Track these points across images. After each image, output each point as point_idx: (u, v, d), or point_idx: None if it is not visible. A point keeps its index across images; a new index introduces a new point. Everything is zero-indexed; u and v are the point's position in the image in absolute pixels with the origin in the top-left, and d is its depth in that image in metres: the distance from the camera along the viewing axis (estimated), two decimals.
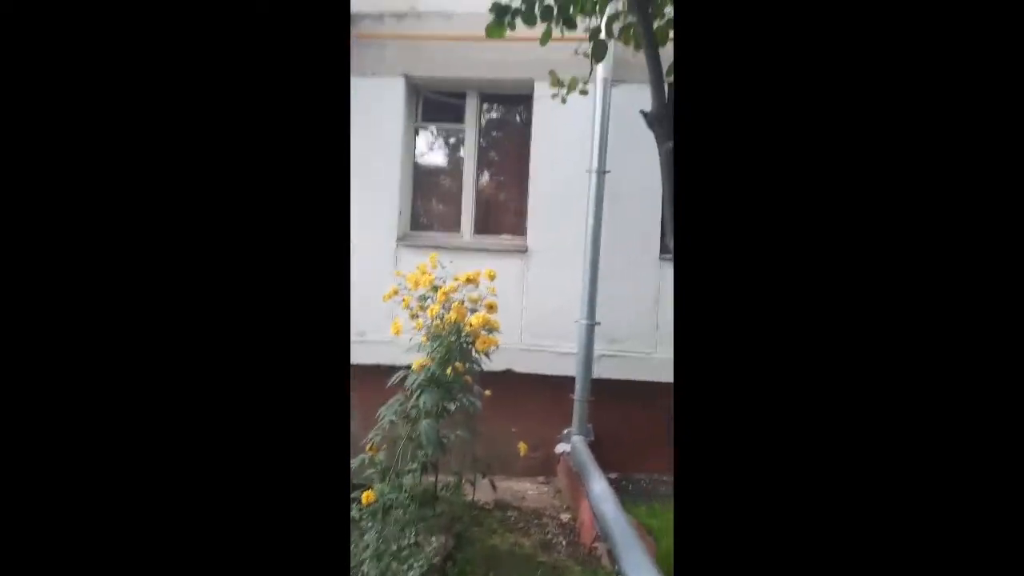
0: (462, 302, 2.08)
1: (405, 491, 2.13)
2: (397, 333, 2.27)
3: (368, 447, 3.13)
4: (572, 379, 3.61)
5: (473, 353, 2.09)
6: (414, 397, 2.17)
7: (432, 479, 2.45)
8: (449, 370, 2.19)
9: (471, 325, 2.07)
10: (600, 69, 3.50)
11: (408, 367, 2.99)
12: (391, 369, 3.86)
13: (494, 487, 2.41)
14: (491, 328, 2.01)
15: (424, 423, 2.18)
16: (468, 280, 2.08)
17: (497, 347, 2.14)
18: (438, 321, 2.18)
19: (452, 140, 4.15)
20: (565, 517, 2.90)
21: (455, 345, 2.14)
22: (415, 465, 2.21)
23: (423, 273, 3.00)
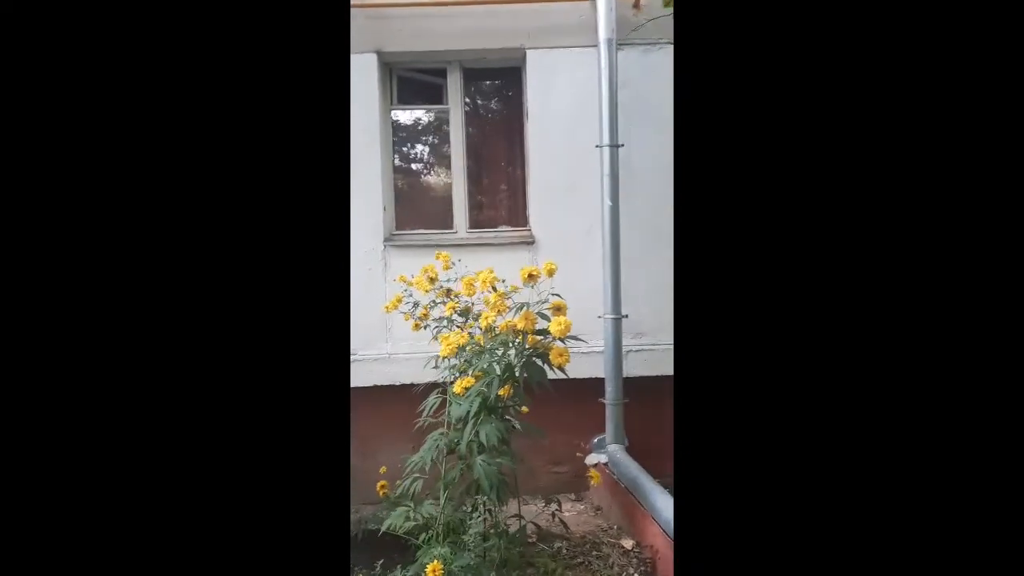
0: (527, 306, 1.64)
1: (469, 549, 1.67)
2: (449, 354, 1.79)
3: (380, 488, 2.64)
4: (595, 380, 3.22)
5: (546, 368, 1.65)
6: (468, 429, 1.72)
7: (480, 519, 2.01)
8: (504, 390, 1.75)
9: (541, 335, 1.63)
10: (602, 29, 3.11)
11: (425, 387, 2.53)
12: (391, 390, 3.37)
13: (566, 526, 1.98)
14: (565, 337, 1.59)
15: (480, 462, 1.72)
16: (530, 276, 1.65)
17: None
18: (490, 333, 1.73)
19: (435, 123, 3.67)
20: (628, 544, 2.51)
21: (520, 360, 1.70)
22: (477, 515, 1.76)
23: (431, 278, 2.55)
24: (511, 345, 1.69)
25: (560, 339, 1.59)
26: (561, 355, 1.57)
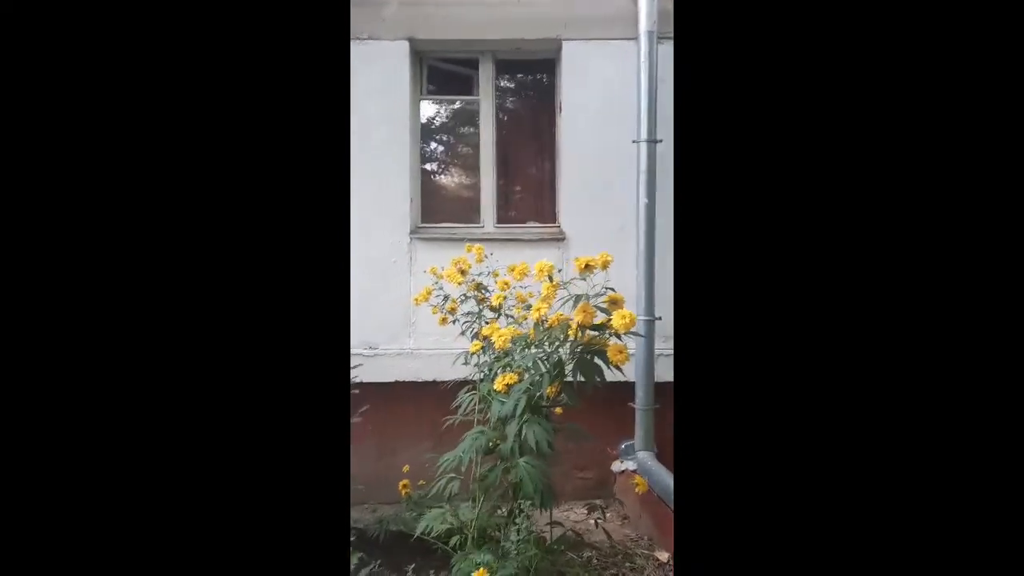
0: (584, 298, 1.53)
1: (510, 558, 1.56)
2: (502, 347, 1.69)
3: (403, 488, 2.53)
4: (624, 384, 3.11)
5: (603, 367, 1.54)
6: (512, 429, 1.61)
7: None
8: (552, 388, 1.64)
9: (597, 331, 1.53)
10: (643, 20, 3.01)
11: (454, 384, 2.42)
12: (413, 387, 3.27)
13: (609, 536, 1.87)
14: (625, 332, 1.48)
15: (523, 465, 1.62)
16: (587, 267, 1.54)
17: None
18: (542, 326, 1.62)
19: (464, 115, 3.57)
20: (664, 556, 2.39)
21: (573, 356, 1.59)
22: (519, 520, 1.65)
23: (462, 270, 2.46)
24: (561, 340, 1.59)
25: (619, 335, 1.48)
26: (620, 352, 1.47)
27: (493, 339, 1.61)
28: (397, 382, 3.21)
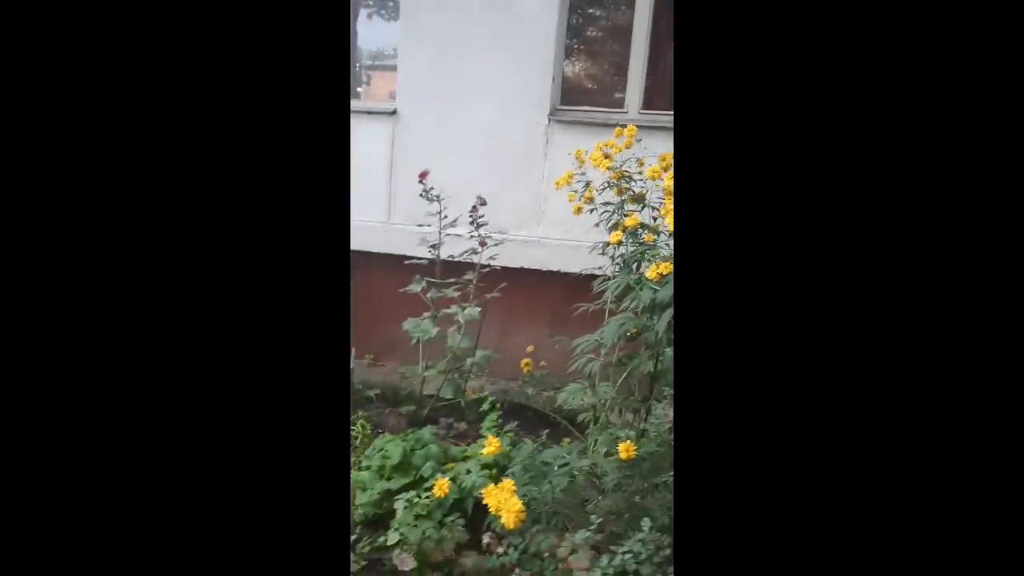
0: None
1: (652, 439, 1.58)
2: (631, 237, 1.61)
3: (525, 365, 2.62)
4: None
5: None
6: (664, 317, 1.56)
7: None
8: None
9: None
10: None
11: (583, 276, 2.40)
12: (536, 275, 3.30)
13: None
14: None
15: (671, 353, 1.58)
16: None
17: None
18: None
19: None
20: None
21: None
22: (657, 410, 1.65)
23: (607, 154, 2.33)
24: None
25: None
26: None
27: (664, 218, 1.52)
28: (522, 268, 3.24)
